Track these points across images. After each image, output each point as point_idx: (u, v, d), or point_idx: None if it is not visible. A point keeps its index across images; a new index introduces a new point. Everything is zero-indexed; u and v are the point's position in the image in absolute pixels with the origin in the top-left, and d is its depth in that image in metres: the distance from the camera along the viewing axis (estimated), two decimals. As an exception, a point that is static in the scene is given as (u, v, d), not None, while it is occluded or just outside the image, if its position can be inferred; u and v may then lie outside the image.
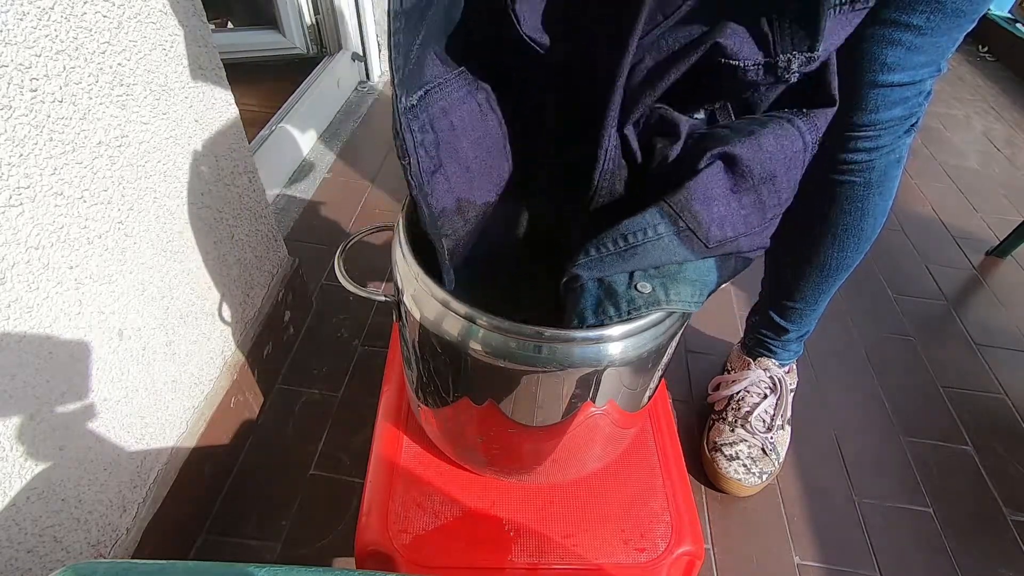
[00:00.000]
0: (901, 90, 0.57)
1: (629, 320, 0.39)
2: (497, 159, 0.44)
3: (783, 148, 0.40)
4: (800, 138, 0.40)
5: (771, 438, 0.85)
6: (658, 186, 0.40)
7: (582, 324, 0.38)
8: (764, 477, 0.83)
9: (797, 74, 0.38)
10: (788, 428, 0.90)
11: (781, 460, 0.86)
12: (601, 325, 0.38)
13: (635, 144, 0.42)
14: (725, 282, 0.41)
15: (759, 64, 0.38)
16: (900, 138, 0.62)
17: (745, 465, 0.83)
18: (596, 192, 0.42)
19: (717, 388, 0.92)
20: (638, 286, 0.38)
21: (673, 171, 0.41)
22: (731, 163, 0.39)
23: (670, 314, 0.41)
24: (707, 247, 0.38)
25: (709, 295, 0.40)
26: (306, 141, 1.43)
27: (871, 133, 0.60)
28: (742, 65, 0.38)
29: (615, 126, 0.40)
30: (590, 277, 0.39)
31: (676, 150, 0.41)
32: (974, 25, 0.54)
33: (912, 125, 0.61)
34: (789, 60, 0.37)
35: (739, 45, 0.37)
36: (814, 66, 0.38)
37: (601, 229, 0.40)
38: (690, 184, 0.38)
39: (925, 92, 0.59)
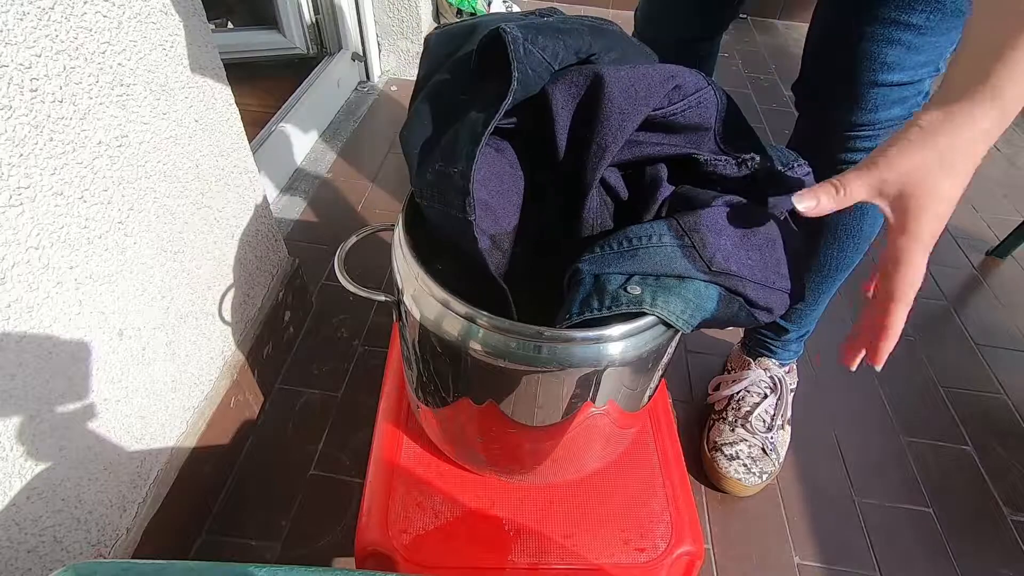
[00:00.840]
0: (900, 89, 0.57)
1: (625, 320, 0.39)
2: (510, 187, 0.45)
3: (777, 224, 0.43)
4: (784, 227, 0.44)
5: (771, 438, 0.85)
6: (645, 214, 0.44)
7: (568, 315, 0.39)
8: (764, 477, 0.83)
9: (756, 166, 0.43)
10: (788, 428, 0.90)
11: (781, 460, 0.86)
12: (585, 320, 0.39)
13: (620, 184, 0.45)
14: (724, 324, 0.41)
15: (729, 161, 0.42)
16: None
17: (745, 465, 0.83)
18: (584, 224, 0.46)
19: (717, 388, 0.92)
20: (628, 287, 0.38)
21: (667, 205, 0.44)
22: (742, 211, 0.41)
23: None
24: (709, 268, 0.39)
25: (703, 323, 0.40)
26: (306, 141, 1.43)
27: (870, 132, 0.60)
28: (711, 160, 0.42)
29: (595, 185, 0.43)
30: (589, 272, 0.40)
31: (663, 192, 0.44)
32: None
33: None
34: (753, 157, 0.42)
35: (707, 153, 0.43)
36: (771, 164, 0.43)
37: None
38: (702, 212, 0.40)
39: (924, 92, 0.59)
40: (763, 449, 0.84)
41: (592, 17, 0.45)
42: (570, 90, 0.39)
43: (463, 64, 0.42)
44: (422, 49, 0.46)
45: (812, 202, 0.37)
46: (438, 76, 0.43)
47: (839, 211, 0.69)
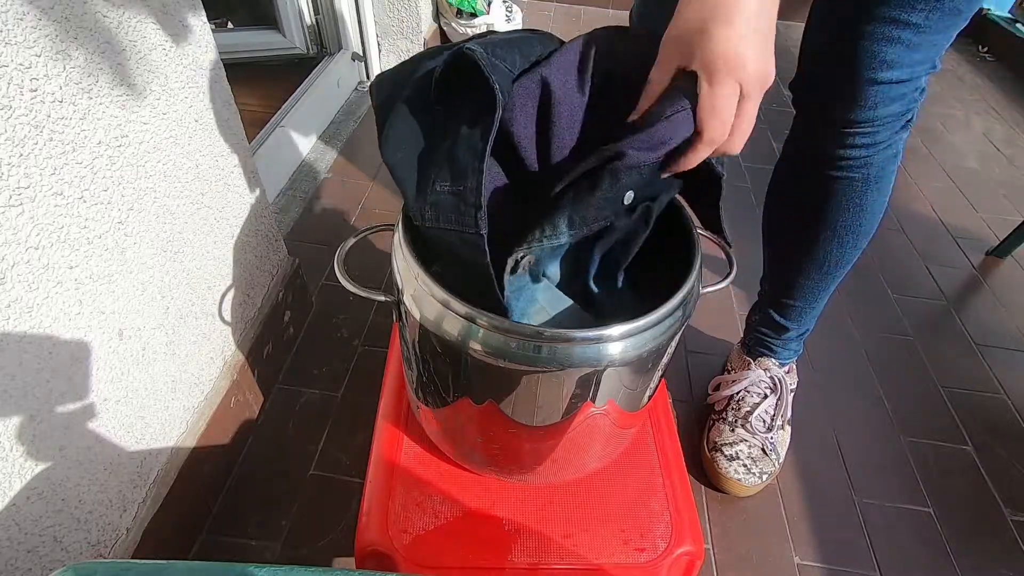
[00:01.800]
0: (899, 87, 0.57)
1: (625, 320, 0.39)
2: (497, 197, 0.46)
3: None
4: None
5: (771, 438, 0.85)
6: None
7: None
8: (764, 477, 0.83)
9: None
10: (788, 428, 0.90)
11: (781, 460, 0.86)
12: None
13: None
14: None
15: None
16: (897, 134, 0.62)
17: (745, 465, 0.83)
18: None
19: (717, 388, 0.92)
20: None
21: None
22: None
23: (671, 314, 0.41)
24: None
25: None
26: (306, 141, 1.43)
27: (868, 129, 0.61)
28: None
29: None
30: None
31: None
32: (966, 24, 0.55)
33: (908, 121, 0.62)
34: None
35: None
36: None
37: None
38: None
39: (921, 89, 0.60)
40: (763, 449, 0.84)
41: (529, 29, 0.47)
42: (525, 110, 0.42)
43: (425, 84, 0.43)
44: (370, 95, 0.46)
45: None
46: (403, 100, 0.43)
47: (838, 208, 0.68)
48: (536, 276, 0.51)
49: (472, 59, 0.38)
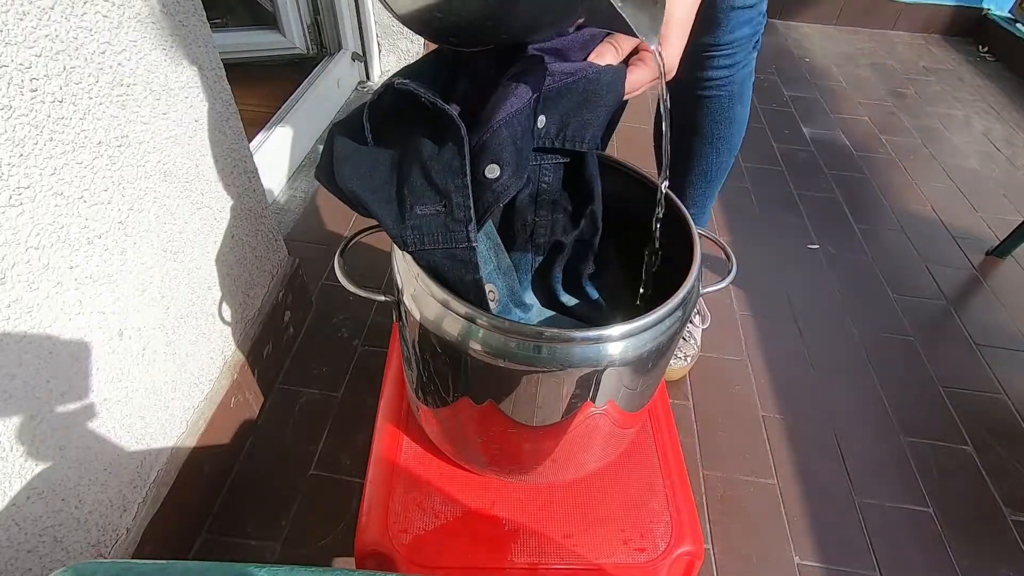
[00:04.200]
0: (749, 11, 0.71)
1: (625, 320, 0.39)
2: None
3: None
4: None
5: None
6: None
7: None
8: (689, 360, 0.96)
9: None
10: (699, 319, 1.01)
11: (699, 345, 1.00)
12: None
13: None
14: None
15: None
16: (749, 53, 0.76)
17: None
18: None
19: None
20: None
21: None
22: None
23: (671, 314, 0.41)
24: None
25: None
26: (306, 141, 1.43)
27: (728, 51, 0.74)
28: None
29: None
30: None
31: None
32: None
33: (756, 43, 0.76)
34: None
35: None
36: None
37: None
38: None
39: (763, 12, 0.74)
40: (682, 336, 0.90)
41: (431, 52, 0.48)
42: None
43: (359, 119, 0.42)
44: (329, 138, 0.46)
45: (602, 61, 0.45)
46: (346, 137, 0.42)
47: (712, 122, 0.83)
48: (523, 307, 0.52)
49: (407, 91, 0.38)
